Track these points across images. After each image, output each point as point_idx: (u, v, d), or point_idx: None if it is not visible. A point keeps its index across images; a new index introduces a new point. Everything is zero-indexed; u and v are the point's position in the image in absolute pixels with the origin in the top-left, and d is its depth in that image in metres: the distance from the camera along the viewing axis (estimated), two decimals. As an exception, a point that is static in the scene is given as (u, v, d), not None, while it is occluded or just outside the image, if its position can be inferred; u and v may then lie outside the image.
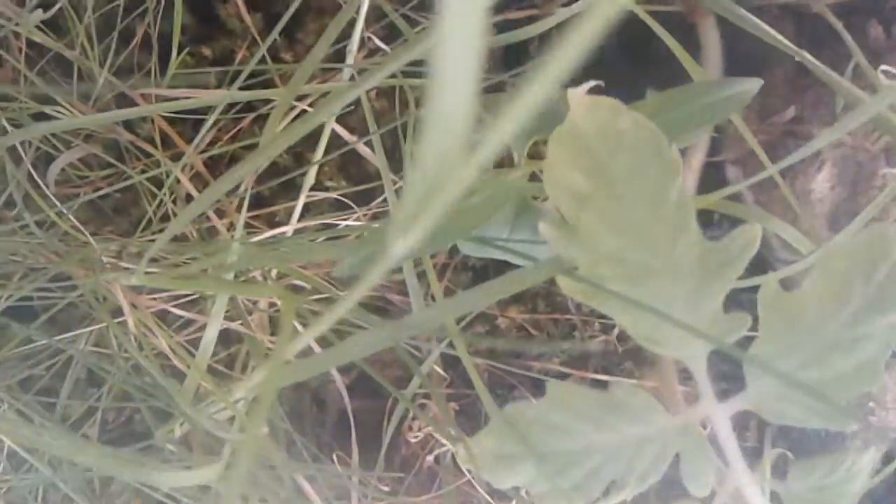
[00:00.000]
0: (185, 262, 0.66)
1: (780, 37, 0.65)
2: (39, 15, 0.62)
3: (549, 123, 0.65)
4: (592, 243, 0.44)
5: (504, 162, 0.83)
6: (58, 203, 0.62)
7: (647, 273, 0.44)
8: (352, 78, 0.71)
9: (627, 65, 0.87)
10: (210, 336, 0.53)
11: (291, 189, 0.76)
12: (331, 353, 0.42)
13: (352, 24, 0.82)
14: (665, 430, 0.45)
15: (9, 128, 0.62)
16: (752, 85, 0.52)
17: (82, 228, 0.59)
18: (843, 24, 0.77)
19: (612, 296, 0.44)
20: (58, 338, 0.66)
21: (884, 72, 0.75)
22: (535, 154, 0.79)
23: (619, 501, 0.44)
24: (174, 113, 0.75)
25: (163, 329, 0.60)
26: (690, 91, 0.53)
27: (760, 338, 0.44)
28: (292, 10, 0.58)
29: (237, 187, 0.75)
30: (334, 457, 0.69)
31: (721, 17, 0.83)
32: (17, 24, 0.61)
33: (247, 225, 0.73)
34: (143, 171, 0.71)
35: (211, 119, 0.66)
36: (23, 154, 0.65)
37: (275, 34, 0.61)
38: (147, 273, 0.51)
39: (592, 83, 0.48)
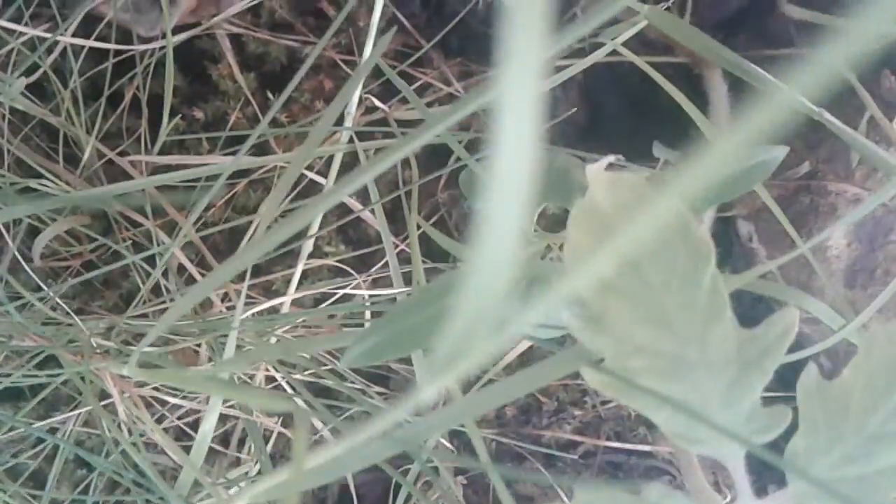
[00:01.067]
0: (180, 338, 0.63)
1: (795, 94, 0.62)
2: (22, 83, 0.59)
3: (559, 190, 0.63)
4: (619, 334, 0.41)
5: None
6: (43, 286, 0.59)
7: (679, 366, 0.41)
8: (350, 140, 0.68)
9: (635, 114, 0.85)
10: (205, 430, 0.50)
11: (289, 254, 0.73)
12: (339, 462, 0.39)
13: (348, 79, 0.79)
14: (702, 534, 0.42)
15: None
16: (778, 153, 0.49)
17: (69, 310, 0.56)
18: (856, 74, 0.74)
19: (643, 391, 0.41)
20: (45, 422, 0.62)
21: (900, 124, 0.73)
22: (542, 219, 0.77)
23: None
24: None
25: (155, 415, 0.57)
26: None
27: (800, 431, 0.41)
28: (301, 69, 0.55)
29: (232, 253, 0.72)
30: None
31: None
32: (-1, 94, 0.58)
33: (240, 293, 0.70)
34: (133, 242, 0.67)
35: (212, 190, 0.63)
36: (3, 231, 0.61)
37: (276, 107, 0.58)
38: (139, 365, 0.47)
39: (611, 158, 0.46)
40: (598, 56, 0.70)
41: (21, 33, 0.70)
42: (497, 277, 0.21)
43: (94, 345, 0.57)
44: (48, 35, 0.64)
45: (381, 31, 0.83)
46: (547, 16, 0.17)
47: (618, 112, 0.84)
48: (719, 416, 0.41)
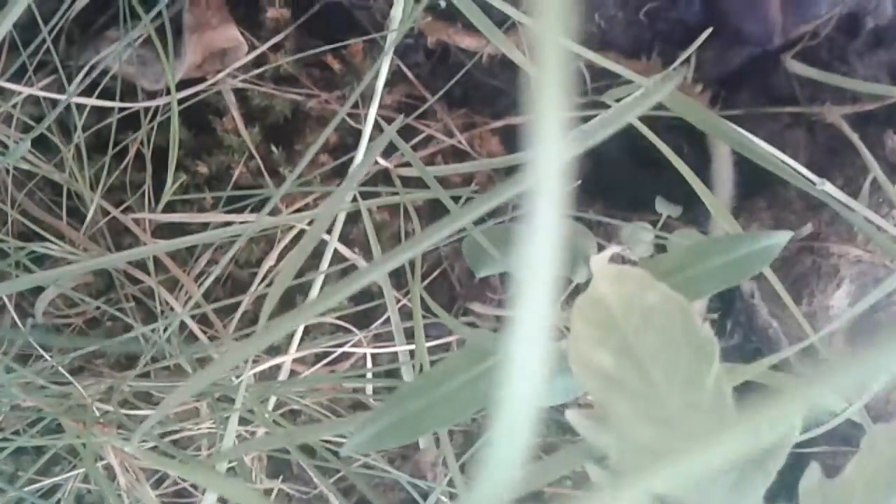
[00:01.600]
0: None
1: (797, 165, 0.62)
2: (27, 146, 0.59)
3: (562, 259, 0.63)
4: (623, 432, 0.41)
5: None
6: (46, 355, 0.59)
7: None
8: (354, 199, 0.68)
9: (638, 166, 0.85)
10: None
11: (289, 307, 0.73)
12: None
13: (353, 131, 0.79)
14: None
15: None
16: (780, 239, 0.49)
17: (70, 378, 0.56)
18: (859, 134, 0.75)
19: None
20: (46, 482, 0.62)
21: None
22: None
23: None
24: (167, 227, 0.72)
25: (157, 473, 0.56)
26: (715, 245, 0.50)
27: (804, 532, 0.41)
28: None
29: (234, 309, 0.72)
30: None
31: (734, 121, 0.81)
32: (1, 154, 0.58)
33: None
34: (135, 299, 0.67)
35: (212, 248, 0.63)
36: (5, 300, 0.62)
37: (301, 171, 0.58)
38: (140, 446, 0.47)
39: (615, 249, 0.46)
40: (608, 127, 0.70)
41: (28, 84, 0.70)
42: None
43: (96, 411, 0.57)
44: (57, 97, 0.64)
45: (386, 82, 0.84)
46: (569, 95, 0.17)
47: (620, 163, 0.84)
48: (722, 517, 0.41)
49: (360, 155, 0.66)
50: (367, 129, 0.66)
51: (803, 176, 0.62)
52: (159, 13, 0.71)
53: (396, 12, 0.61)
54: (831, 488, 0.42)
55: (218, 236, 0.58)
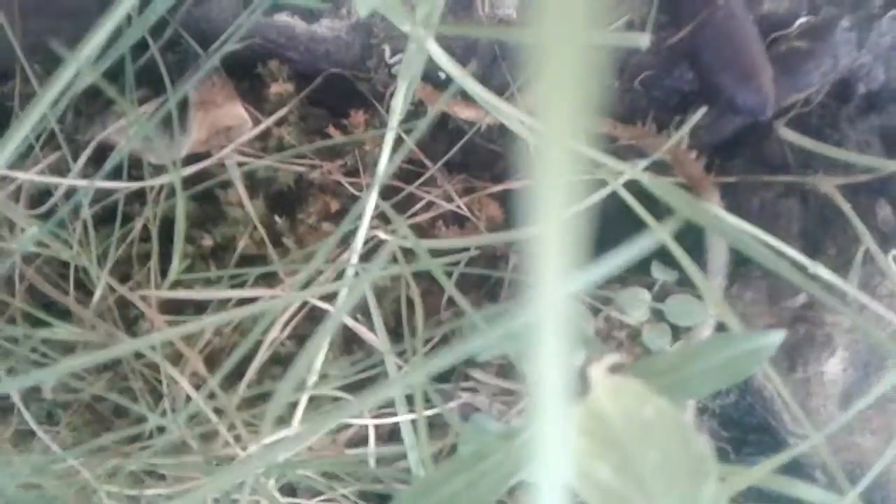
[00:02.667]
0: (186, 476, 0.64)
1: (789, 249, 0.64)
2: (34, 232, 0.60)
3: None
4: (623, 544, 0.43)
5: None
6: (53, 447, 0.60)
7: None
8: (356, 274, 0.70)
9: (634, 228, 0.86)
10: None
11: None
12: None
13: (355, 198, 0.81)
14: None
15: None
16: (775, 338, 0.51)
17: (77, 465, 0.57)
18: (852, 204, 0.76)
19: None
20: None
21: (895, 257, 0.75)
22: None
23: None
24: (173, 303, 0.73)
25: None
26: (710, 345, 0.52)
27: None
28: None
29: (238, 380, 0.73)
30: None
31: (728, 188, 0.83)
32: (9, 240, 0.60)
33: (247, 423, 0.71)
34: (142, 374, 0.69)
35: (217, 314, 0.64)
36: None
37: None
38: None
39: (615, 358, 0.47)
40: (600, 196, 0.72)
41: (34, 161, 0.71)
42: None
43: (102, 496, 0.58)
44: (61, 180, 0.65)
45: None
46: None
47: (616, 224, 0.86)
48: None
49: (360, 234, 0.67)
50: (370, 203, 0.67)
51: (795, 258, 0.64)
52: (165, 89, 0.73)
53: (397, 102, 0.62)
54: None
55: (223, 320, 0.60)
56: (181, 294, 0.69)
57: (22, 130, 0.48)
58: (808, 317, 0.75)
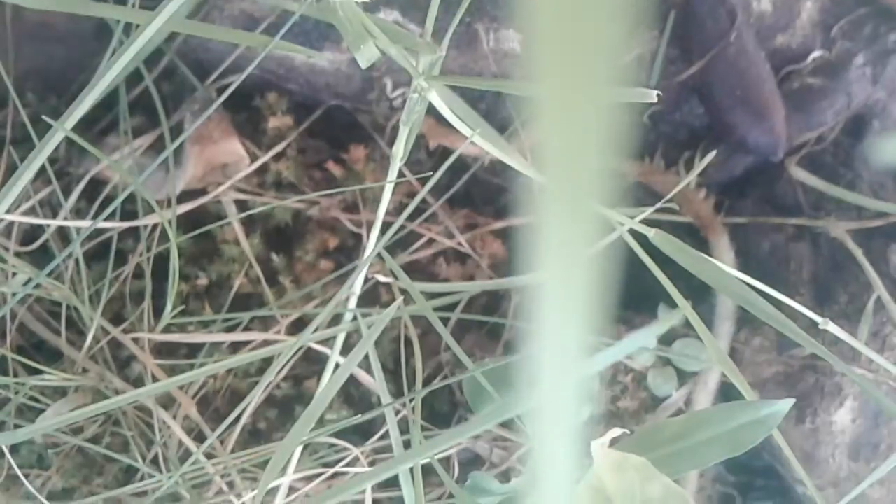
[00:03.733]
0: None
1: (798, 306, 0.62)
2: (22, 284, 0.58)
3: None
4: None
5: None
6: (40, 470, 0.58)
7: None
8: (354, 318, 0.68)
9: (643, 269, 0.85)
10: None
11: (289, 419, 0.73)
12: None
13: (354, 234, 0.79)
14: None
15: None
16: (783, 406, 0.49)
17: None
18: (863, 250, 0.74)
19: None
20: None
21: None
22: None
23: None
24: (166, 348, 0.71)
25: None
26: (716, 414, 0.50)
27: None
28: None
29: (235, 423, 0.71)
30: None
31: (738, 229, 0.81)
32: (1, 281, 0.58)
33: (241, 469, 0.69)
34: (133, 417, 0.67)
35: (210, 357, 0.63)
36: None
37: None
38: None
39: (617, 432, 0.45)
40: (604, 243, 0.70)
41: (25, 196, 0.70)
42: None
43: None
44: (60, 223, 0.64)
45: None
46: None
47: (625, 267, 0.84)
48: None
49: (359, 278, 0.66)
50: (372, 241, 0.65)
51: (805, 314, 0.62)
52: (160, 122, 0.71)
53: (398, 148, 0.60)
54: None
55: (217, 369, 0.58)
56: (174, 337, 0.67)
57: (21, 182, 0.46)
58: (817, 366, 0.73)
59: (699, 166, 0.71)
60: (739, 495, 0.85)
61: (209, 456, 0.68)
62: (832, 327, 0.62)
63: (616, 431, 0.47)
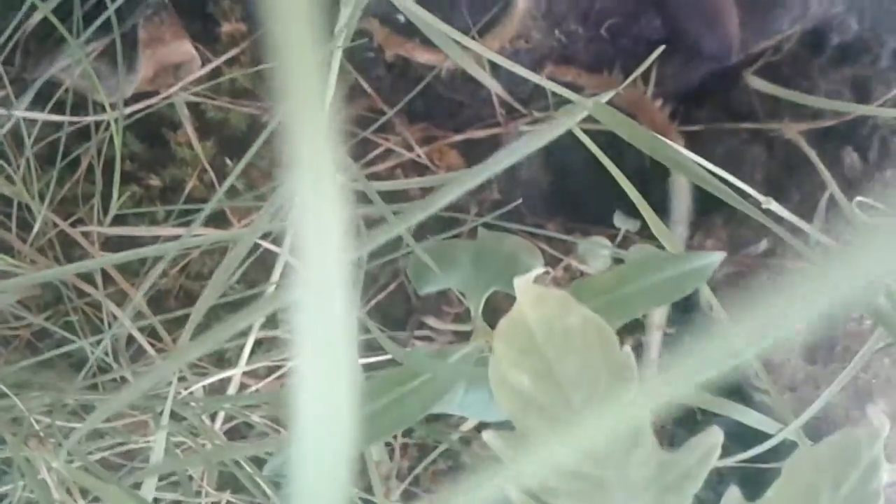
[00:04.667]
0: (127, 412, 0.63)
1: (742, 185, 0.62)
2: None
3: (507, 276, 0.62)
4: (540, 454, 0.41)
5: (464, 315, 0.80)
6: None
7: (599, 488, 0.40)
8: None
9: (600, 180, 0.85)
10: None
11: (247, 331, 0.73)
12: None
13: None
14: None
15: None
16: (715, 259, 0.49)
17: (6, 390, 0.56)
18: (817, 151, 0.74)
19: (562, 514, 0.40)
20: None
21: (859, 203, 0.73)
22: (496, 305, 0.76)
23: None
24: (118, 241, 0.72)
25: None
26: (648, 265, 0.50)
27: (723, 555, 0.41)
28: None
29: (184, 324, 0.72)
30: None
31: (693, 137, 0.81)
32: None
33: (193, 365, 0.69)
34: (83, 312, 0.67)
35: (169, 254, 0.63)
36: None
37: (232, 177, 0.58)
38: (68, 461, 0.47)
39: (540, 270, 0.45)
40: (551, 136, 0.70)
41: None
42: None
43: (34, 423, 0.57)
44: (10, 111, 0.64)
45: (346, 98, 0.84)
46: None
47: (582, 176, 0.84)
48: (639, 540, 0.41)
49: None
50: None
51: (750, 195, 0.62)
52: (113, 27, 0.71)
53: (341, 26, 0.61)
54: (751, 512, 0.41)
55: (166, 250, 0.58)
56: (124, 230, 0.67)
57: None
58: (769, 264, 0.73)
59: (647, 62, 0.71)
60: (699, 412, 0.85)
61: (160, 351, 0.68)
62: (774, 206, 0.62)
63: (539, 269, 0.47)
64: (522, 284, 0.43)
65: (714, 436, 0.41)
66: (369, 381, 0.48)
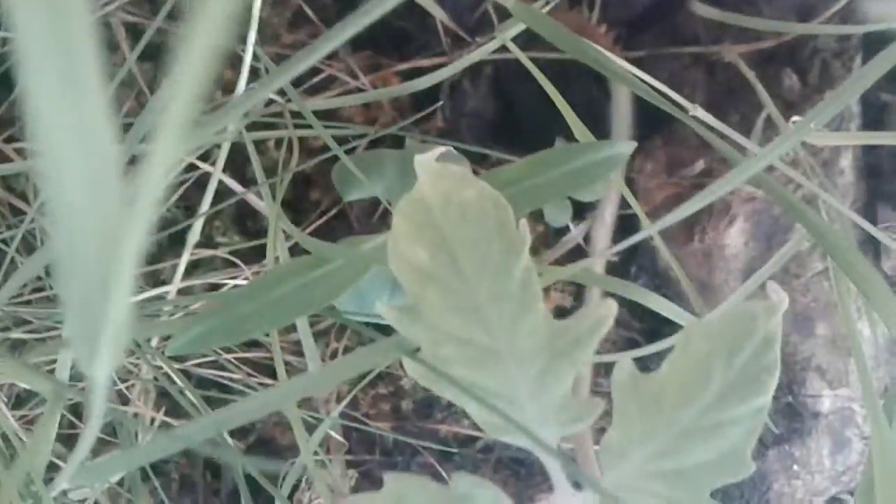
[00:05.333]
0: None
1: (677, 97, 0.62)
2: None
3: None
4: (434, 323, 0.41)
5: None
6: None
7: (490, 355, 0.41)
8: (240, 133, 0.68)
9: (547, 109, 0.85)
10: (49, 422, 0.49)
11: (181, 244, 0.73)
12: (210, 420, 0.39)
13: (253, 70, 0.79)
14: (512, 527, 0.41)
15: None
16: (624, 149, 0.49)
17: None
18: (757, 73, 0.74)
19: (453, 381, 0.41)
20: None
21: (795, 122, 0.73)
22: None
23: None
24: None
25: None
26: (556, 155, 0.50)
27: (615, 422, 0.41)
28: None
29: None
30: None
31: (635, 62, 0.81)
32: None
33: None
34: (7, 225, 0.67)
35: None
36: None
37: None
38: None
39: (443, 149, 0.45)
40: (485, 52, 0.70)
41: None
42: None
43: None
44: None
45: (288, 24, 0.83)
46: None
47: (528, 106, 0.84)
48: (529, 406, 0.41)
49: (240, 86, 0.66)
50: (247, 58, 0.66)
51: (678, 105, 0.62)
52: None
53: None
54: (644, 383, 0.41)
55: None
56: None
57: None
58: (705, 185, 0.73)
59: None
60: (645, 341, 0.85)
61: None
62: (700, 113, 0.62)
63: (441, 148, 0.47)
64: (423, 161, 0.43)
65: (607, 307, 0.42)
66: (273, 270, 0.48)
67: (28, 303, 0.67)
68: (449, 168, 0.43)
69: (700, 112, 0.61)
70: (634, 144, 0.49)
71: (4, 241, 0.65)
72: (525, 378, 0.41)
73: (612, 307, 0.42)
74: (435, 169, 0.43)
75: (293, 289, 0.47)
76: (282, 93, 0.73)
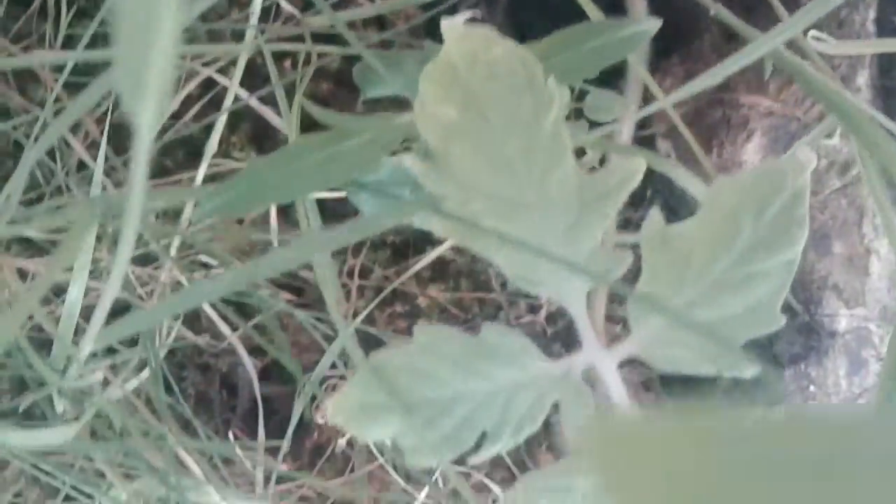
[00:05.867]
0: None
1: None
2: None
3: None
4: (462, 176, 0.41)
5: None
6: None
7: (519, 208, 0.41)
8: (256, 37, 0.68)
9: (552, 17, 0.84)
10: (74, 297, 0.49)
11: (195, 157, 0.73)
12: (241, 271, 0.39)
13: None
14: (542, 377, 0.41)
15: None
16: (650, 25, 0.49)
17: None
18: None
19: (482, 232, 0.41)
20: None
21: (814, 37, 0.73)
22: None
23: (492, 453, 0.41)
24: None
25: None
26: (581, 32, 0.50)
27: (643, 277, 0.41)
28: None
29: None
30: (231, 436, 0.65)
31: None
32: None
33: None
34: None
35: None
36: None
37: None
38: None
39: (469, 14, 0.45)
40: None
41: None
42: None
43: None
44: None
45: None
46: None
47: (542, 33, 0.84)
48: (560, 257, 0.41)
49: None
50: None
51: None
52: None
53: None
54: (673, 236, 0.42)
55: (98, 56, 0.58)
56: (71, 55, 0.67)
57: None
58: (723, 99, 0.73)
59: None
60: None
61: (118, 185, 0.69)
62: (722, 11, 0.62)
63: (467, 13, 0.47)
64: (448, 25, 0.43)
65: (637, 163, 0.42)
66: (299, 139, 0.48)
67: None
68: (476, 29, 0.43)
69: (722, 10, 0.61)
70: (659, 22, 0.49)
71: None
72: (554, 231, 0.41)
73: (641, 163, 0.42)
74: (461, 31, 0.43)
75: (319, 160, 0.47)
76: (300, 9, 0.73)
